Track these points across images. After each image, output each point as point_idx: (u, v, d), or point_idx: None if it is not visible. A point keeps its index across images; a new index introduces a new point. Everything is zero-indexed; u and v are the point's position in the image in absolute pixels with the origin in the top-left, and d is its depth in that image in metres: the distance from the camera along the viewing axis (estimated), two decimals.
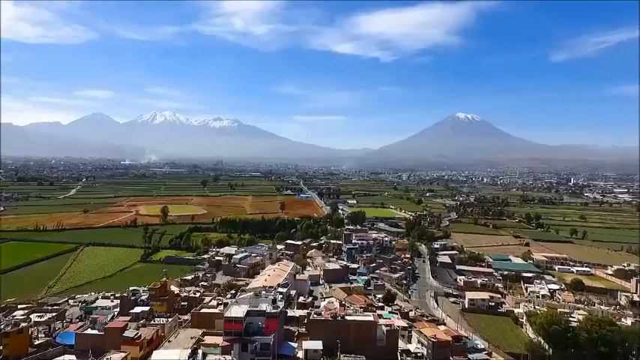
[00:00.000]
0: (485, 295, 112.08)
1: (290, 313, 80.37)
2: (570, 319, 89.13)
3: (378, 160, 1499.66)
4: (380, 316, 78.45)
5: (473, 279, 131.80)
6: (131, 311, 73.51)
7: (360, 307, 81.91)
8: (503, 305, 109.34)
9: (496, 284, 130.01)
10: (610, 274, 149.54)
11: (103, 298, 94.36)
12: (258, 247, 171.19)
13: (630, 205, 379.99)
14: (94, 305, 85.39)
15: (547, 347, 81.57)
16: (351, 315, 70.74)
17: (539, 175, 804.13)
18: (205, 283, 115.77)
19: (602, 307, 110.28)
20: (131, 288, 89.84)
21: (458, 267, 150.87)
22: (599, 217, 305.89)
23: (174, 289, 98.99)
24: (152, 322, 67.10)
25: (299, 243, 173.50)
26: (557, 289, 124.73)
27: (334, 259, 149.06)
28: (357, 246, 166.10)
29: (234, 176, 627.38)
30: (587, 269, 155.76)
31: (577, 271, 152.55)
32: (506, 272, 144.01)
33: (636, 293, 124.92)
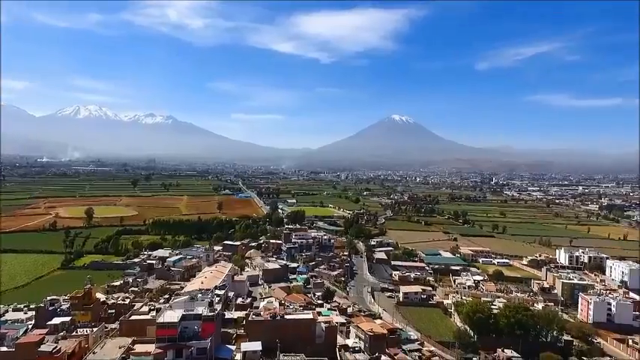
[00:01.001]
0: (417, 288, 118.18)
1: (228, 315, 78.44)
2: (492, 307, 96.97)
3: (318, 159, 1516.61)
4: (319, 313, 79.38)
5: (407, 273, 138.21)
6: (49, 323, 66.98)
7: (300, 306, 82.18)
8: (434, 297, 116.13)
9: (428, 278, 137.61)
10: (525, 265, 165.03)
11: (14, 310, 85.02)
12: (195, 248, 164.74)
13: (542, 201, 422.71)
14: (2, 319, 76.50)
15: (472, 334, 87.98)
16: (290, 314, 70.77)
17: (465, 175, 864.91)
18: (136, 289, 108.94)
19: (519, 294, 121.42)
20: (49, 298, 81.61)
21: (393, 262, 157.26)
22: (517, 213, 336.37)
23: (101, 296, 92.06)
24: (74, 333, 61.71)
25: (237, 243, 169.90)
26: (481, 280, 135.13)
27: (274, 259, 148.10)
28: (296, 245, 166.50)
29: (169, 175, 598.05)
30: (506, 261, 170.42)
31: (498, 262, 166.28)
32: (436, 266, 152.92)
33: (546, 281, 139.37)
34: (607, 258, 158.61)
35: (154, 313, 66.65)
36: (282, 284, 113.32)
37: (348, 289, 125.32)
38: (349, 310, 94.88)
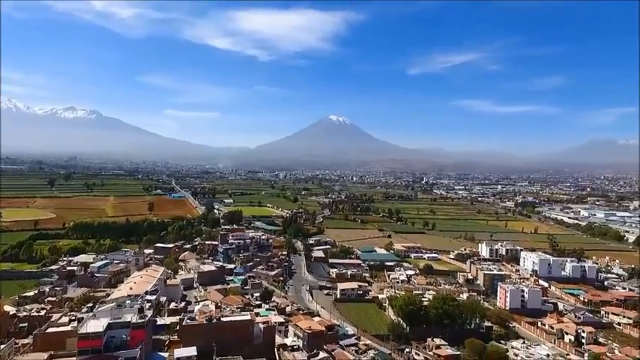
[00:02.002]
0: (354, 284, 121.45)
1: (160, 321, 74.58)
2: (423, 299, 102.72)
3: (256, 158, 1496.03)
4: (257, 314, 78.45)
5: (344, 271, 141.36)
6: None
7: (237, 308, 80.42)
8: (370, 292, 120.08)
9: (364, 274, 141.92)
10: (452, 258, 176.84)
11: None
12: (122, 253, 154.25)
13: (466, 199, 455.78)
14: None
15: (405, 326, 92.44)
16: (227, 316, 68.98)
17: (399, 175, 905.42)
18: (54, 299, 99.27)
19: (446, 286, 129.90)
20: None
21: (331, 261, 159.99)
22: (445, 210, 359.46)
23: (10, 308, 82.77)
24: None
25: (170, 246, 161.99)
26: (413, 275, 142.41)
27: (210, 261, 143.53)
28: (233, 246, 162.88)
29: (93, 174, 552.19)
30: (436, 255, 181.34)
31: (428, 257, 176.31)
32: (372, 262, 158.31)
33: (470, 272, 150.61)
34: (521, 250, 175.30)
35: (75, 323, 61.12)
36: (219, 286, 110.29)
37: (286, 289, 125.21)
38: (288, 309, 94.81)
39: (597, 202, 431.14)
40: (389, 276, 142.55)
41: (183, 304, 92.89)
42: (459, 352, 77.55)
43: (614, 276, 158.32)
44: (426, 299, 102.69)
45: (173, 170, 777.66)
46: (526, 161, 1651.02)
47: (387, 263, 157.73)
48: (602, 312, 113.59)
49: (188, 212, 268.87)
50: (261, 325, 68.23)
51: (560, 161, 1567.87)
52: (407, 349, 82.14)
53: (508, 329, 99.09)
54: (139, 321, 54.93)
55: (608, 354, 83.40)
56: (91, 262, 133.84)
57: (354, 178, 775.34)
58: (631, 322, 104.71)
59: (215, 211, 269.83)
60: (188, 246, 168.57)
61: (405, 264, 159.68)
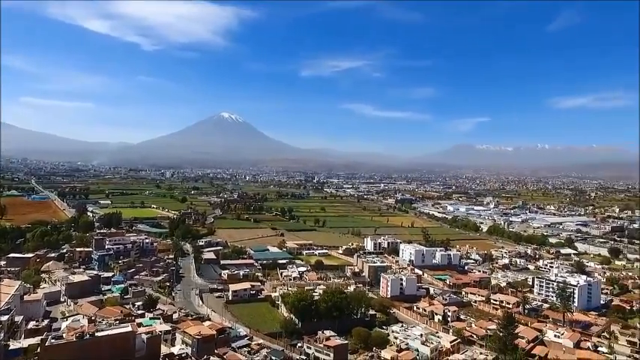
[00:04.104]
0: (246, 285, 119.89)
1: (15, 345, 63.43)
2: (314, 294, 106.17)
3: (138, 155, 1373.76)
4: (140, 324, 72.37)
5: (236, 272, 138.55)
6: None
7: (116, 320, 72.88)
8: (263, 292, 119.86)
9: (257, 273, 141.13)
10: (341, 253, 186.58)
11: None
12: None
13: (354, 197, 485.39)
14: None
15: (297, 321, 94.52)
16: (104, 330, 62.03)
17: (292, 174, 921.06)
18: None
19: (335, 280, 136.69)
20: None
21: (222, 262, 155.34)
22: (334, 207, 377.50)
23: None
24: None
25: (30, 255, 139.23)
26: (305, 271, 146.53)
27: (81, 270, 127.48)
28: (111, 252, 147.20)
29: None
30: (326, 251, 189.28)
31: (319, 253, 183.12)
32: (265, 261, 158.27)
33: (357, 266, 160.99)
34: (400, 242, 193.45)
35: None
36: (93, 298, 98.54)
37: (174, 294, 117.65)
38: (175, 315, 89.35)
39: (460, 199, 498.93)
40: (281, 274, 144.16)
41: (46, 322, 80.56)
42: (346, 342, 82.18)
43: (472, 261, 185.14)
44: (317, 294, 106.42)
45: (33, 168, 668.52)
46: (405, 162, 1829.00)
47: (280, 261, 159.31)
48: (463, 292, 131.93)
49: (53, 216, 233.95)
50: (144, 336, 63.04)
51: (432, 162, 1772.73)
52: (299, 344, 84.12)
53: (389, 315, 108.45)
54: None
55: (467, 328, 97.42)
56: None
57: (247, 177, 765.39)
58: (483, 299, 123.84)
59: (89, 213, 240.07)
60: (53, 255, 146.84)
61: (297, 261, 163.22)
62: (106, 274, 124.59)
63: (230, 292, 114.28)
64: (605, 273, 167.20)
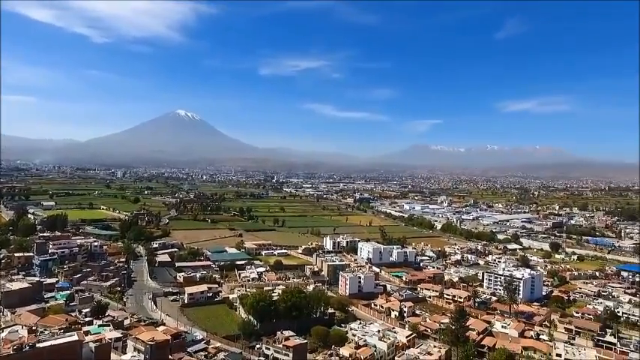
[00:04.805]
0: (203, 287, 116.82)
1: None
2: (273, 294, 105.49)
3: (86, 154, 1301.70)
4: (87, 332, 68.55)
5: (192, 274, 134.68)
6: None
7: (60, 329, 68.51)
8: (220, 294, 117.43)
9: (214, 275, 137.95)
10: (300, 253, 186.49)
11: None
12: None
13: (313, 197, 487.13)
14: None
15: (256, 323, 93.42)
16: (46, 340, 58.10)
17: (250, 173, 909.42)
18: None
19: (295, 280, 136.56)
20: None
21: (178, 264, 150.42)
22: (294, 207, 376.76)
23: None
24: None
25: None
26: (264, 271, 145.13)
27: (20, 277, 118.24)
28: (55, 256, 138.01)
29: None
30: (285, 251, 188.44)
31: (278, 253, 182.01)
32: (222, 263, 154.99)
33: (316, 265, 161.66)
34: (358, 241, 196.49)
35: None
36: (34, 306, 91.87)
37: (125, 299, 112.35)
38: (126, 322, 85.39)
39: (416, 198, 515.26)
40: (240, 275, 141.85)
41: None
42: (306, 341, 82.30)
43: (427, 258, 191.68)
44: (276, 294, 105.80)
45: None
46: (364, 162, 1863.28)
47: (238, 262, 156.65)
48: (419, 288, 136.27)
49: None
50: (92, 345, 59.76)
51: (389, 162, 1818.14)
52: (258, 346, 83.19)
53: (348, 313, 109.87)
54: None
55: (422, 322, 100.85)
56: None
57: (205, 177, 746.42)
58: (437, 294, 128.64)
59: (30, 216, 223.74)
60: None
61: (256, 262, 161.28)
62: (49, 281, 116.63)
63: (186, 295, 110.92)
64: (546, 266, 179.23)
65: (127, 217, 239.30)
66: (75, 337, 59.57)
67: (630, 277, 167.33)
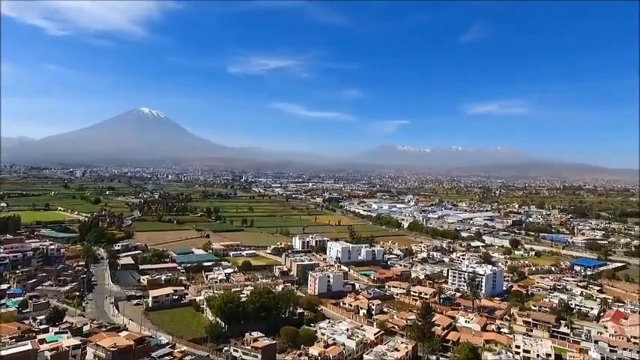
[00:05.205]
0: (169, 290, 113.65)
1: None
2: (241, 295, 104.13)
3: (42, 152, 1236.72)
4: (43, 341, 64.99)
5: (157, 276, 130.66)
6: None
7: (12, 338, 64.58)
8: (187, 296, 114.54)
9: (180, 277, 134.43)
10: (269, 253, 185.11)
11: None
12: None
13: (282, 196, 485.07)
14: None
15: (224, 325, 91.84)
16: None
17: (218, 173, 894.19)
18: None
19: (263, 280, 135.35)
20: None
21: (142, 267, 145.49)
22: (263, 207, 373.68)
23: None
24: None
25: None
26: (232, 272, 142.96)
27: None
28: (7, 261, 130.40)
29: None
30: (254, 251, 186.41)
31: (246, 254, 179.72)
32: (189, 264, 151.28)
33: (285, 265, 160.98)
34: (327, 240, 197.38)
35: None
36: None
37: (84, 305, 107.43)
38: (86, 328, 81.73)
39: (384, 197, 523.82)
40: (207, 276, 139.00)
41: None
42: (274, 341, 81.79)
43: (394, 256, 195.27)
44: (245, 295, 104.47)
45: None
46: (333, 161, 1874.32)
47: (206, 264, 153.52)
48: (386, 286, 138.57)
49: None
50: (48, 354, 56.81)
51: (358, 162, 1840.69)
52: (225, 348, 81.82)
53: (317, 312, 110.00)
54: None
55: (389, 319, 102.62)
56: None
57: (170, 177, 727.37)
58: (404, 291, 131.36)
59: None
60: None
61: (224, 263, 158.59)
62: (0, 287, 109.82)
63: (150, 299, 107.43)
64: (507, 262, 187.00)
65: (86, 219, 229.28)
66: (29, 347, 56.39)
67: (582, 271, 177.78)
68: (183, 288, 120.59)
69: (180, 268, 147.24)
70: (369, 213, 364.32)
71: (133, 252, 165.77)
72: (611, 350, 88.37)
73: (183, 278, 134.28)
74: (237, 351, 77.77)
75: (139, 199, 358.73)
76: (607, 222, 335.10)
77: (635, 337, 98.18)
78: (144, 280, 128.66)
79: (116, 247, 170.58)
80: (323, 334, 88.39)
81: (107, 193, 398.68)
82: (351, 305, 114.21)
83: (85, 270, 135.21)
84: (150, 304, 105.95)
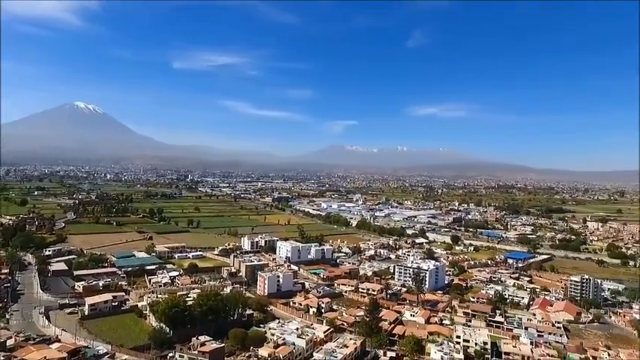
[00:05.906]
0: (108, 296, 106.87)
1: None
2: (187, 299, 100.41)
3: None
4: None
5: (94, 282, 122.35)
6: None
7: None
8: (128, 302, 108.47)
9: (120, 282, 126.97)
10: (217, 254, 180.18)
11: None
12: None
13: (230, 196, 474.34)
14: None
15: (169, 330, 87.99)
16: None
17: (162, 172, 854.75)
18: None
19: (211, 282, 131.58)
20: None
21: (76, 273, 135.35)
22: (210, 207, 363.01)
23: None
24: None
25: None
26: (177, 275, 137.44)
27: None
28: None
29: None
30: (201, 253, 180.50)
31: (193, 256, 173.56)
32: (130, 268, 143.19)
33: (233, 266, 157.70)
34: (277, 240, 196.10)
35: None
36: None
37: (9, 316, 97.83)
38: (10, 342, 74.49)
39: (333, 196, 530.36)
40: (150, 280, 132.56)
41: None
42: (223, 345, 79.80)
43: (343, 254, 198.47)
44: (191, 299, 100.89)
45: None
46: (283, 161, 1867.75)
47: (148, 267, 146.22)
48: (336, 284, 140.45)
49: None
50: None
51: (307, 162, 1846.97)
52: (170, 354, 78.44)
53: (267, 313, 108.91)
54: None
55: (338, 317, 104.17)
56: None
57: (109, 176, 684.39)
58: (353, 288, 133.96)
59: None
60: None
61: (168, 266, 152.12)
62: None
63: (86, 306, 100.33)
64: (448, 257, 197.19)
65: (11, 222, 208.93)
66: None
67: (514, 263, 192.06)
68: (123, 293, 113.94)
69: (120, 272, 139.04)
70: (319, 212, 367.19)
71: (67, 257, 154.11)
72: (538, 335, 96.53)
73: (123, 283, 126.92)
74: (182, 357, 74.93)
75: (73, 199, 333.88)
76: (535, 218, 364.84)
77: (558, 323, 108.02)
78: (79, 286, 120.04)
79: (46, 252, 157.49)
80: (273, 335, 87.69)
81: (36, 193, 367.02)
82: (301, 304, 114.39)
83: (10, 278, 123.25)
84: (86, 313, 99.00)
